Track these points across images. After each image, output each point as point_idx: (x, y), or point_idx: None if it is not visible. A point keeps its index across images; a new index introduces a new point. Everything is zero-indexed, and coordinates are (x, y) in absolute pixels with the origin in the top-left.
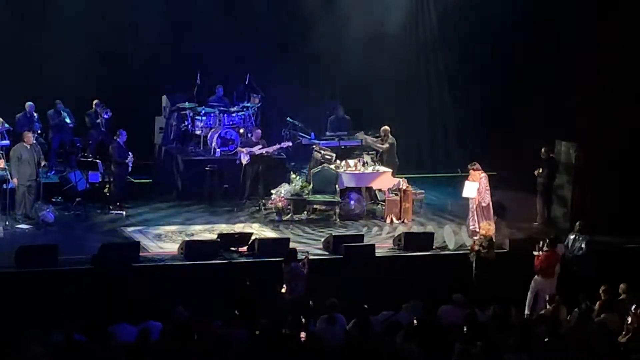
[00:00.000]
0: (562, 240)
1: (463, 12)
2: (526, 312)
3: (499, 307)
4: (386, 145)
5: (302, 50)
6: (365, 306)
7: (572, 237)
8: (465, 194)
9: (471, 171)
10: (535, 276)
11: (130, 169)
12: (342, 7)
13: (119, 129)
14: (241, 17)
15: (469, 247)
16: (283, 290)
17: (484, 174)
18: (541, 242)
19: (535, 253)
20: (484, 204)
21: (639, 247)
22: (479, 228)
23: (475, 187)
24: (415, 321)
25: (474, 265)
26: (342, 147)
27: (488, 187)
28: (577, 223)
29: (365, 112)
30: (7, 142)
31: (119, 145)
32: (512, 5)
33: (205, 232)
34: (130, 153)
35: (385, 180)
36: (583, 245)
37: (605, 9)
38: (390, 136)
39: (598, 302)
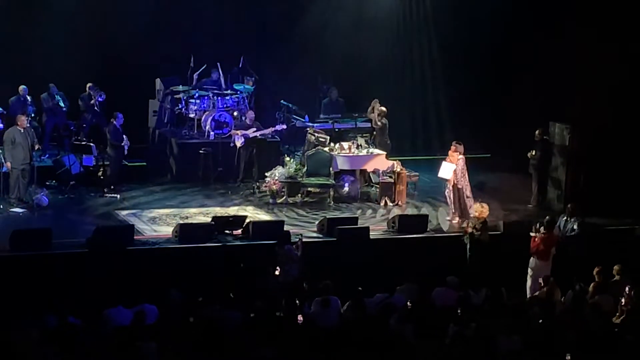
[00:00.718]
0: (556, 223)
1: None
2: (528, 295)
3: (492, 289)
4: (381, 124)
5: (296, 32)
6: (360, 288)
7: (564, 219)
8: (440, 174)
9: (450, 152)
10: (532, 258)
11: (126, 152)
12: None
13: (116, 112)
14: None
15: (463, 229)
16: (277, 273)
17: (462, 157)
18: (537, 224)
19: (532, 234)
20: (459, 186)
21: (633, 228)
22: (453, 209)
23: (451, 168)
24: (409, 303)
25: (467, 247)
26: (336, 129)
27: (465, 171)
28: (568, 205)
29: (358, 95)
30: (0, 125)
31: (115, 128)
32: None
33: (200, 215)
34: (125, 136)
35: (379, 162)
36: (575, 227)
37: None
38: (384, 118)
39: (592, 284)
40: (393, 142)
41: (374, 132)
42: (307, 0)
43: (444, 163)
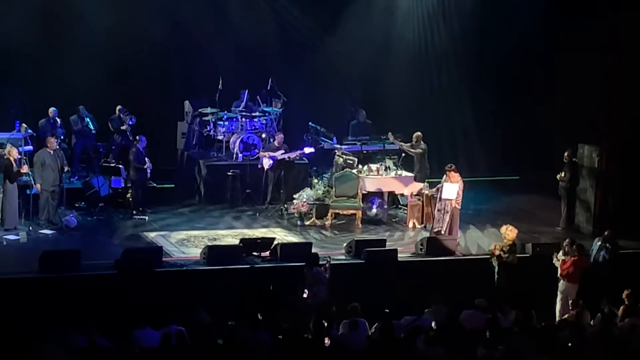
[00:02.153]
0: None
1: (479, 17)
2: (557, 318)
3: (522, 312)
4: (419, 150)
5: (324, 55)
6: (388, 311)
7: (598, 243)
8: (445, 195)
9: (451, 173)
10: (561, 281)
11: (149, 175)
12: (360, 14)
13: (140, 135)
14: (263, 22)
15: (490, 252)
16: (305, 295)
17: (460, 178)
18: (566, 247)
19: (562, 258)
20: (459, 207)
21: None
22: (445, 230)
23: (455, 188)
24: (435, 325)
25: (496, 270)
26: (364, 151)
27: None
28: (605, 232)
29: (386, 117)
30: (30, 147)
31: (138, 151)
32: (529, 8)
33: (228, 237)
34: (147, 159)
35: (407, 184)
36: (608, 254)
37: (624, 10)
38: (422, 142)
39: (621, 307)
40: None
41: (402, 156)
42: (335, 22)
43: (445, 184)
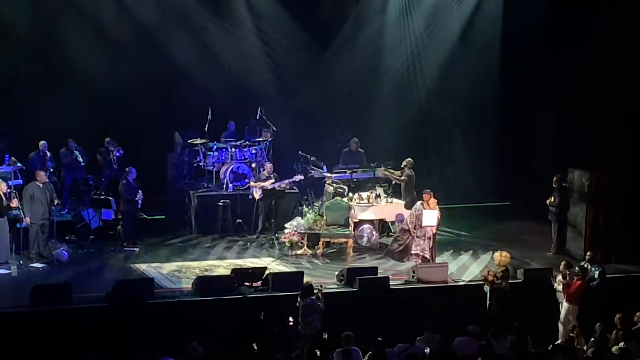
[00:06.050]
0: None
1: (467, 43)
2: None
3: (516, 337)
4: (404, 178)
5: (313, 84)
6: (380, 339)
7: (584, 267)
8: (425, 222)
9: (429, 199)
10: (565, 303)
11: (140, 206)
12: (349, 43)
13: (129, 167)
14: (252, 52)
15: (483, 278)
16: (291, 323)
17: (435, 202)
18: (568, 271)
19: (563, 282)
20: (434, 232)
21: None
22: (431, 256)
23: (435, 215)
24: (428, 352)
25: (488, 296)
26: (355, 180)
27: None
28: (588, 253)
29: (376, 146)
30: (19, 181)
31: (129, 183)
32: (518, 32)
33: (219, 267)
34: (139, 190)
35: (398, 212)
36: (596, 275)
37: (618, 33)
38: (410, 169)
39: (614, 331)
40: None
41: (392, 184)
42: (324, 52)
43: (425, 212)
